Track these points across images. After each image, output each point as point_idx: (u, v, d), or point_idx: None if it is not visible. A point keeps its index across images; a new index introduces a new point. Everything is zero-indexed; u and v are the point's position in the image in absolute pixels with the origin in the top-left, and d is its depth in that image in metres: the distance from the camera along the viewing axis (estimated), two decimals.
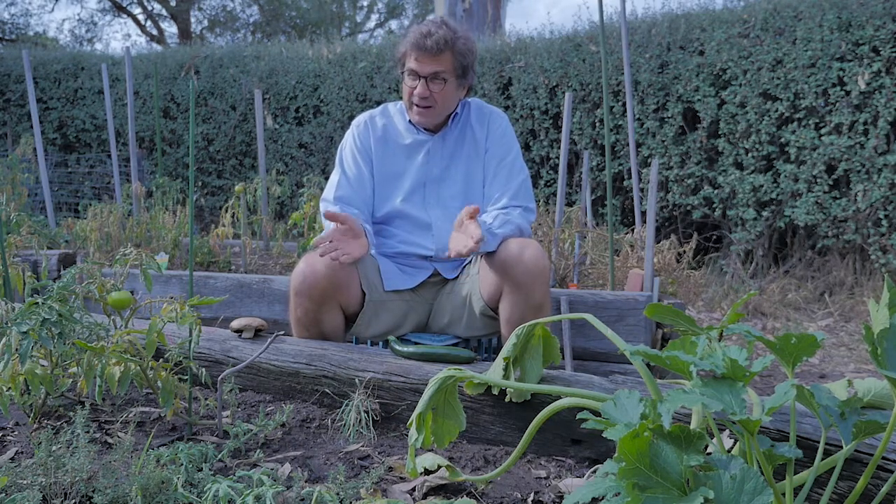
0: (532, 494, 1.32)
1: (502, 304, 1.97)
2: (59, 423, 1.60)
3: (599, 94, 5.45)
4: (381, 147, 2.23)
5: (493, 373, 1.47)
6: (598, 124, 5.47)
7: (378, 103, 2.27)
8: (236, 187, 4.17)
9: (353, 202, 2.17)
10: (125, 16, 18.95)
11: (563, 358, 2.35)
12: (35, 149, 4.90)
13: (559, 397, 1.32)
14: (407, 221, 2.19)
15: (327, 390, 1.75)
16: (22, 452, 1.45)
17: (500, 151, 2.18)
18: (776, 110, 4.83)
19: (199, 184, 6.87)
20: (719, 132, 5.09)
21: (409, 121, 2.20)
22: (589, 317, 1.35)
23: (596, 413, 1.16)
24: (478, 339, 2.17)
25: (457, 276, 2.18)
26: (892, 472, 1.14)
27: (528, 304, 1.92)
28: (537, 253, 1.92)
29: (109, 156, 6.72)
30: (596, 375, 1.60)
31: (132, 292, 1.91)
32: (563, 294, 2.42)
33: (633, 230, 3.89)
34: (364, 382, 1.68)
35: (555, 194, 5.41)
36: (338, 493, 1.23)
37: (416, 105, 2.12)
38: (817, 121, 4.75)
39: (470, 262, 2.16)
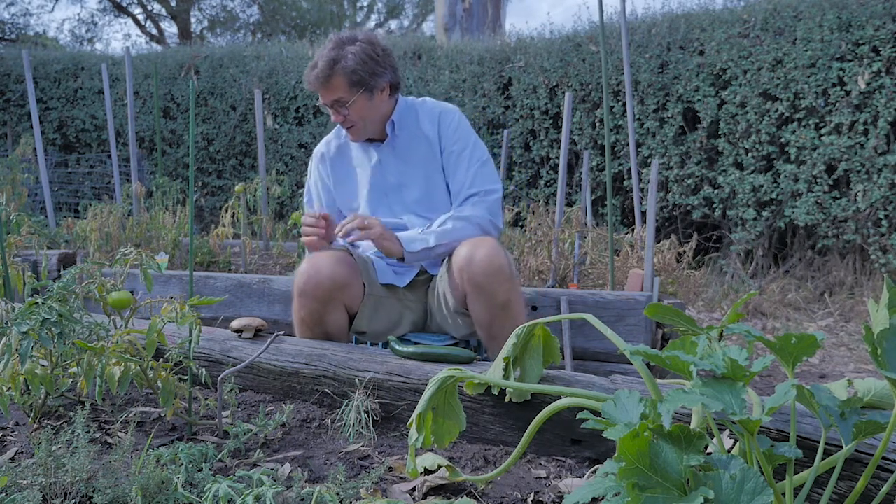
0: (532, 494, 1.32)
1: (469, 306, 1.99)
2: (59, 423, 1.60)
3: (599, 94, 5.45)
4: (340, 168, 2.27)
5: (493, 373, 1.46)
6: (598, 124, 5.47)
7: None
8: (236, 187, 4.17)
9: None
10: (125, 16, 18.96)
11: (563, 358, 2.35)
12: (35, 149, 4.90)
13: (559, 397, 1.32)
14: None
15: (327, 390, 1.75)
16: (22, 452, 1.45)
17: (456, 147, 2.16)
18: (776, 110, 4.83)
19: (199, 184, 6.87)
20: (719, 132, 5.09)
21: None
22: (589, 317, 1.35)
23: (596, 413, 1.16)
24: (477, 339, 2.17)
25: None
26: (892, 472, 1.14)
27: (492, 304, 1.92)
28: (490, 252, 1.90)
29: (109, 156, 6.72)
30: (596, 375, 1.60)
31: (132, 292, 1.91)
32: (563, 294, 2.42)
33: (633, 230, 3.89)
34: (364, 382, 1.68)
35: (555, 194, 5.41)
36: (338, 493, 1.23)
37: (344, 128, 2.18)
38: (817, 121, 4.75)
39: (444, 260, 2.14)
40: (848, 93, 4.64)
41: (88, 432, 1.33)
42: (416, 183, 2.18)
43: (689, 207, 5.20)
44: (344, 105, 2.09)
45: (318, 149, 2.33)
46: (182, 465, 1.29)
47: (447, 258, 2.07)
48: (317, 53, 2.12)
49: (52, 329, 1.48)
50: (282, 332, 1.75)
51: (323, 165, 2.30)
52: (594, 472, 1.42)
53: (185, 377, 1.66)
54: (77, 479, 1.21)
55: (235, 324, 1.95)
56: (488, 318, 1.95)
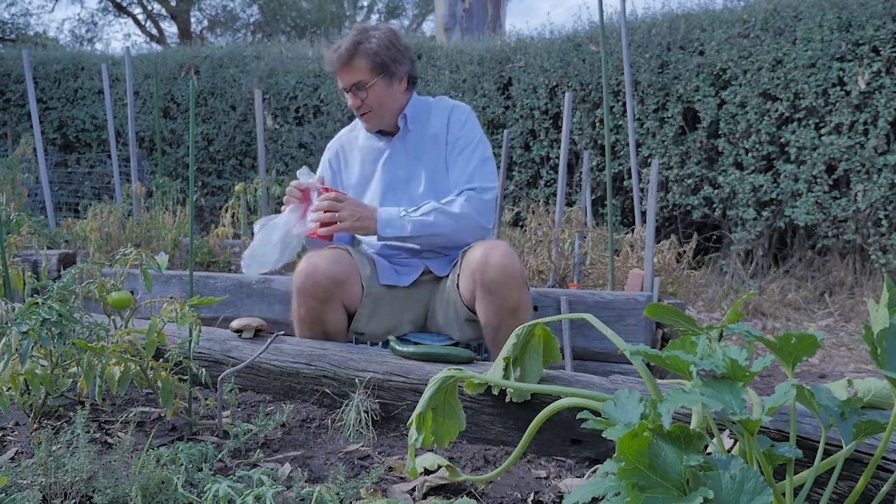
0: (532, 494, 1.32)
1: (478, 308, 1.99)
2: (59, 423, 1.60)
3: (599, 94, 5.45)
4: (352, 163, 2.28)
5: (494, 373, 1.46)
6: (598, 124, 5.47)
7: None
8: (236, 187, 4.17)
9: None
10: (125, 16, 18.97)
11: (563, 358, 2.35)
12: (35, 149, 4.90)
13: (559, 397, 1.32)
14: None
15: (327, 390, 1.75)
16: (22, 452, 1.45)
17: (460, 143, 2.17)
18: (776, 110, 4.83)
19: (199, 184, 6.87)
20: (719, 132, 5.09)
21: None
22: (589, 317, 1.35)
23: (596, 413, 1.16)
24: (477, 341, 2.17)
25: (448, 275, 2.18)
26: (891, 472, 1.14)
27: (502, 308, 1.93)
28: (504, 257, 1.91)
29: (109, 156, 6.72)
30: (596, 375, 1.60)
31: (132, 292, 1.91)
32: (563, 294, 2.42)
33: (633, 230, 3.89)
34: (364, 382, 1.68)
35: (555, 194, 5.41)
36: (338, 493, 1.23)
37: (358, 115, 2.19)
38: (817, 121, 4.75)
39: (456, 262, 2.15)
40: (848, 93, 4.64)
41: (88, 432, 1.33)
42: (422, 178, 2.19)
43: (689, 207, 5.20)
44: (363, 88, 2.10)
45: (332, 144, 2.35)
46: (182, 465, 1.29)
47: (458, 261, 2.07)
48: (336, 42, 2.16)
49: (52, 329, 1.48)
50: (282, 332, 1.75)
51: (336, 160, 2.32)
52: (594, 472, 1.42)
53: (185, 377, 1.66)
54: (77, 479, 1.21)
55: (235, 324, 1.95)
56: (497, 322, 1.95)
